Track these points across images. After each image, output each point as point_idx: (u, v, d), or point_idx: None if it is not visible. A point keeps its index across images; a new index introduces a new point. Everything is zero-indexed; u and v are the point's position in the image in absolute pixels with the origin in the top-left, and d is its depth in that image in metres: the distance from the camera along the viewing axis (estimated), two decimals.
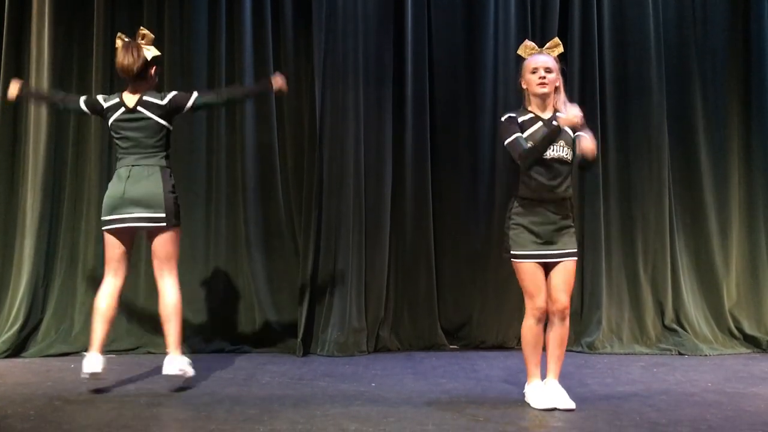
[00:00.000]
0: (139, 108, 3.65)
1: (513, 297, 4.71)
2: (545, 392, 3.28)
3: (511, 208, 3.31)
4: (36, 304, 4.83)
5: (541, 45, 3.40)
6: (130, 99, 3.69)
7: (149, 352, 4.77)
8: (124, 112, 3.67)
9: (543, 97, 3.28)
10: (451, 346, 5.01)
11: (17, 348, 4.68)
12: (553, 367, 3.32)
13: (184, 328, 4.86)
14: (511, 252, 3.28)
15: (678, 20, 5.24)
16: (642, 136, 5.12)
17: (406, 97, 5.07)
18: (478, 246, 5.02)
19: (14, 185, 5.04)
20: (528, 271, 3.25)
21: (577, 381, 3.90)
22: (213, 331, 4.91)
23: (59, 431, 2.89)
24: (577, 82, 5.08)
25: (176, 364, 3.60)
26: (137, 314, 4.88)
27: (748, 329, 5.02)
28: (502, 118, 3.33)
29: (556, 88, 3.31)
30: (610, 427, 2.96)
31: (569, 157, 3.25)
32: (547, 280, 3.29)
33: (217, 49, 5.04)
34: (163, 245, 3.64)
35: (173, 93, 3.75)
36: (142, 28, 3.84)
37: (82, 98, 3.85)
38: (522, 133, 3.25)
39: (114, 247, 3.67)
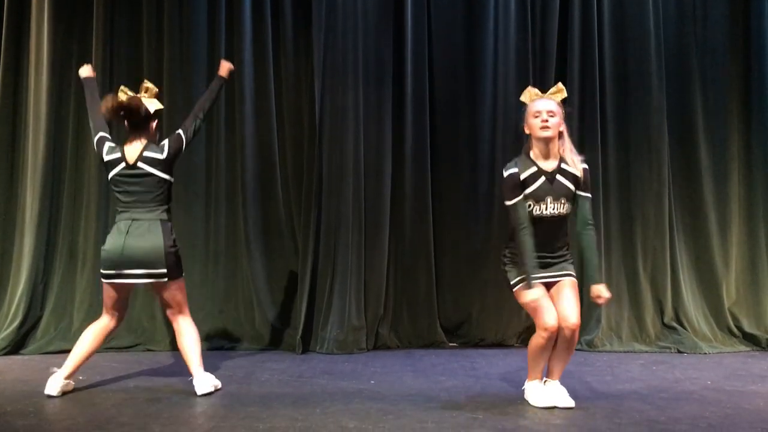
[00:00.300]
0: (139, 164, 3.60)
1: (512, 295, 4.69)
2: (545, 391, 3.28)
3: (506, 249, 3.34)
4: (35, 301, 4.84)
5: (542, 88, 3.43)
6: (130, 154, 3.63)
7: (148, 350, 4.78)
8: (124, 168, 3.61)
9: (546, 141, 3.24)
10: (451, 344, 5.01)
11: (16, 345, 4.68)
12: (557, 371, 3.32)
13: None
14: (515, 280, 3.28)
15: (678, 19, 5.23)
16: (642, 135, 5.11)
17: (405, 96, 5.07)
18: (477, 244, 5.01)
19: (14, 182, 5.04)
20: (530, 294, 3.21)
21: (576, 379, 3.91)
22: (212, 329, 4.90)
23: (58, 428, 2.89)
24: (577, 81, 5.07)
25: (208, 382, 3.58)
26: (136, 312, 4.88)
27: (748, 327, 5.02)
28: (504, 174, 3.28)
29: (561, 134, 3.27)
30: (609, 425, 2.96)
31: (567, 210, 3.26)
32: (554, 300, 3.27)
33: (217, 47, 5.03)
34: (172, 297, 3.63)
35: (167, 141, 3.67)
36: (145, 81, 3.79)
37: (99, 134, 3.71)
38: (524, 189, 3.23)
39: (112, 298, 3.65)
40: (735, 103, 5.24)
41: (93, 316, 4.84)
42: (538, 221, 3.22)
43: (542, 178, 3.24)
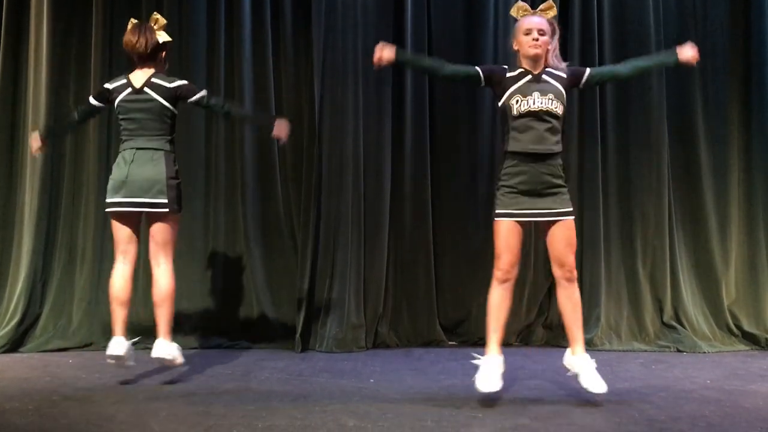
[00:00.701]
0: (146, 89, 3.64)
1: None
2: (493, 371, 3.19)
3: (501, 169, 3.30)
4: (34, 299, 4.83)
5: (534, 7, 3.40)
6: (137, 79, 3.67)
7: (147, 348, 4.74)
8: (131, 92, 3.65)
9: (535, 59, 3.28)
10: (450, 343, 5.01)
11: (15, 343, 4.68)
12: (577, 335, 3.26)
13: (183, 324, 4.91)
14: (495, 212, 3.26)
15: (678, 17, 5.23)
16: (641, 135, 5.11)
17: (405, 94, 5.06)
18: (477, 243, 5.01)
19: (12, 180, 5.04)
20: (503, 228, 3.21)
21: (575, 378, 3.90)
22: (211, 327, 4.90)
23: (57, 426, 2.89)
24: None
25: (166, 348, 3.59)
26: (135, 310, 4.86)
27: (747, 326, 5.02)
28: None
29: (548, 50, 3.30)
30: (608, 424, 2.96)
31: (558, 110, 3.24)
32: (548, 244, 3.26)
33: (216, 46, 5.03)
34: (162, 230, 3.64)
35: (184, 81, 3.74)
36: (156, 13, 3.84)
37: (90, 97, 3.84)
38: (509, 86, 3.25)
39: (120, 229, 3.67)
40: (735, 103, 5.24)
41: (92, 314, 4.88)
42: (526, 119, 3.21)
43: (528, 76, 3.27)
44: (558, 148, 3.26)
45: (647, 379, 3.91)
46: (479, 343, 4.92)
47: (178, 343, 4.77)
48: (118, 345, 3.57)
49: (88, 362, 4.31)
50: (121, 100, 3.66)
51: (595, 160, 5.05)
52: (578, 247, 5.00)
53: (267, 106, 5.03)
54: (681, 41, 5.14)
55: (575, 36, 5.08)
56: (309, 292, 4.85)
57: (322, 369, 4.14)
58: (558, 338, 5.01)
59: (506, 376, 3.90)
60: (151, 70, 3.70)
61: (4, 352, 4.59)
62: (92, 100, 3.82)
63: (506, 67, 3.36)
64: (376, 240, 4.96)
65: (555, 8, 3.39)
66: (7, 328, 4.69)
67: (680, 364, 4.36)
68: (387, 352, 4.74)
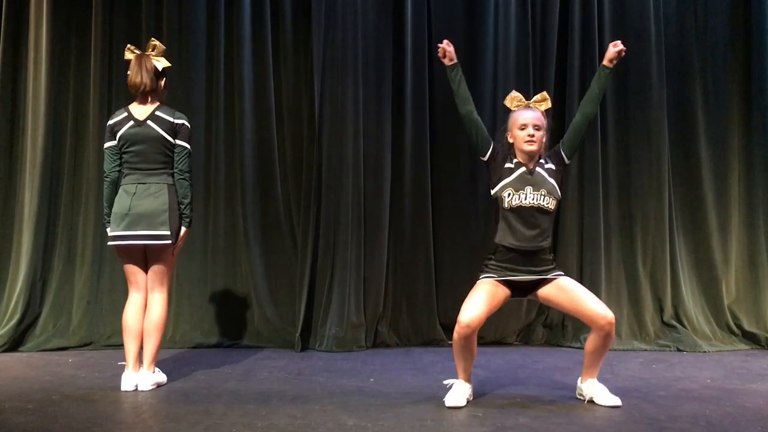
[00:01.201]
0: (149, 122, 3.60)
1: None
2: (462, 392, 3.24)
3: (490, 253, 3.32)
4: (34, 298, 4.83)
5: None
6: (139, 112, 3.62)
7: None
8: (133, 126, 3.61)
9: (531, 154, 3.26)
10: (450, 342, 4.96)
11: (15, 342, 4.68)
12: (593, 368, 3.28)
13: (183, 323, 4.91)
14: (480, 278, 3.28)
15: (678, 16, 5.23)
16: (642, 133, 5.11)
17: (405, 93, 5.06)
18: (477, 242, 5.00)
19: (12, 179, 5.04)
20: (481, 285, 3.24)
21: (575, 377, 3.89)
22: (211, 326, 4.91)
23: (57, 425, 2.89)
24: (577, 79, 5.06)
25: (149, 380, 3.56)
26: None
27: (747, 326, 5.02)
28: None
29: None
30: (608, 423, 2.95)
31: (550, 206, 3.24)
32: (561, 306, 3.24)
33: (216, 45, 5.03)
34: (162, 261, 3.62)
35: (185, 122, 3.65)
36: (153, 39, 3.77)
37: (109, 144, 3.67)
38: (504, 178, 3.25)
39: (127, 262, 3.65)
40: (735, 101, 5.24)
41: (92, 313, 4.88)
42: (517, 213, 3.21)
43: (522, 169, 3.26)
44: (546, 243, 3.26)
45: (647, 378, 3.91)
46: (479, 342, 4.92)
47: (178, 342, 4.82)
48: (130, 380, 3.54)
49: (88, 361, 4.32)
50: (124, 133, 3.61)
51: (595, 159, 5.05)
52: (578, 247, 5.06)
53: (267, 106, 5.03)
54: (681, 40, 5.22)
55: (575, 36, 5.08)
56: (309, 291, 4.84)
57: (322, 368, 4.14)
58: (558, 337, 5.01)
59: (506, 376, 3.92)
60: (154, 102, 3.66)
61: (4, 351, 4.60)
62: (112, 148, 3.65)
63: (508, 158, 3.31)
64: (375, 239, 4.95)
65: (549, 101, 3.36)
66: (6, 327, 4.69)
67: (680, 363, 4.36)
68: (387, 352, 4.74)
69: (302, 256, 4.90)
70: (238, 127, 5.02)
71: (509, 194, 3.23)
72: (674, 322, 4.96)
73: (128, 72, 3.67)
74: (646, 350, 4.80)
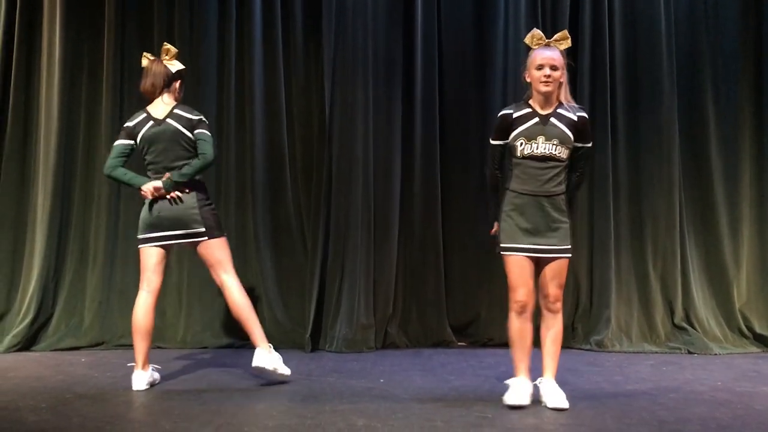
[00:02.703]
0: (168, 120, 3.62)
1: None
2: (521, 389, 3.22)
3: (504, 202, 3.29)
4: (46, 298, 4.88)
5: (549, 36, 3.34)
6: (157, 111, 3.64)
7: (158, 347, 4.78)
8: (153, 125, 3.62)
9: (546, 95, 3.24)
10: (459, 343, 5.01)
11: (28, 342, 4.72)
12: (549, 364, 3.28)
13: (194, 323, 4.93)
14: (501, 245, 3.27)
15: (689, 19, 5.21)
16: (652, 136, 5.10)
17: (415, 94, 5.07)
18: (486, 244, 4.95)
19: (25, 181, 5.09)
20: (515, 263, 3.23)
21: (585, 379, 3.90)
22: (223, 327, 4.93)
23: (70, 424, 2.91)
24: (588, 79, 5.06)
25: (266, 358, 3.57)
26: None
27: (759, 328, 5.00)
28: (499, 114, 3.34)
29: (560, 84, 3.26)
30: (618, 425, 2.95)
31: (562, 155, 3.22)
32: (540, 275, 3.27)
33: (228, 49, 5.05)
34: (211, 253, 3.62)
35: (202, 118, 3.66)
36: (165, 44, 3.81)
37: (120, 142, 3.68)
38: (516, 128, 3.23)
39: (150, 256, 3.63)
40: (746, 104, 5.22)
41: (104, 313, 4.92)
42: (528, 161, 3.21)
43: (536, 119, 3.24)
44: (559, 189, 3.25)
45: (657, 380, 3.90)
46: (489, 344, 4.96)
47: (189, 343, 4.85)
48: (141, 380, 3.55)
49: (101, 361, 4.35)
50: (144, 133, 3.63)
51: (606, 162, 5.04)
52: (588, 249, 5.06)
53: (278, 109, 5.05)
54: (692, 44, 5.20)
55: (586, 40, 5.07)
56: (319, 292, 4.86)
57: (332, 369, 4.15)
58: (567, 339, 4.97)
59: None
60: (171, 102, 3.68)
61: (18, 350, 4.64)
62: (124, 144, 3.66)
63: (511, 110, 3.29)
64: (385, 241, 4.96)
65: (569, 39, 3.31)
66: (20, 327, 4.73)
67: (691, 365, 4.34)
68: (396, 353, 4.75)
69: (312, 257, 4.92)
70: (248, 130, 5.04)
71: (521, 143, 3.22)
72: (685, 325, 4.95)
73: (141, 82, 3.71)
74: (656, 352, 4.78)
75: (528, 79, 3.29)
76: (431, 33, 5.07)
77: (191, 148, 3.63)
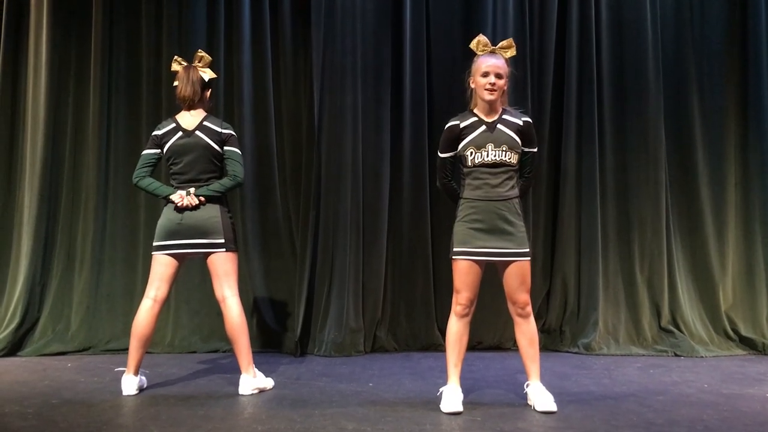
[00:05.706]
0: (197, 132, 3.61)
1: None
2: (454, 397, 3.23)
3: (459, 210, 3.31)
4: (33, 303, 4.84)
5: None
6: (187, 122, 3.63)
7: (148, 352, 4.75)
8: (182, 136, 3.60)
9: (490, 103, 3.27)
10: None
11: (14, 347, 4.68)
12: (532, 368, 3.30)
13: (182, 327, 4.91)
14: (453, 249, 3.27)
15: (675, 22, 5.26)
16: (639, 138, 5.13)
17: (404, 98, 5.08)
18: None
19: (12, 184, 5.06)
20: (462, 268, 3.24)
21: (573, 382, 3.92)
22: (210, 331, 4.91)
23: (57, 430, 2.89)
24: (575, 84, 5.10)
25: (251, 385, 3.57)
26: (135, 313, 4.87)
27: (744, 331, 5.04)
28: (446, 126, 3.35)
29: (503, 92, 3.29)
30: (606, 427, 2.96)
31: (512, 160, 3.25)
32: (503, 282, 3.28)
33: (216, 50, 5.03)
34: (222, 264, 3.61)
35: (232, 132, 3.66)
36: (199, 51, 3.78)
37: (148, 151, 3.66)
38: (464, 138, 3.27)
39: (163, 265, 3.61)
40: (732, 106, 5.27)
41: (91, 318, 4.88)
42: (480, 168, 3.24)
43: (483, 127, 3.27)
44: (512, 193, 3.27)
45: (645, 383, 3.92)
46: (477, 347, 4.96)
47: (176, 347, 4.83)
48: (131, 385, 3.54)
49: (87, 366, 4.32)
50: (172, 144, 3.61)
51: (592, 164, 5.07)
52: (576, 252, 5.08)
53: (266, 111, 5.05)
54: (678, 46, 5.25)
55: (573, 43, 5.11)
56: (308, 296, 4.85)
57: (321, 373, 4.15)
58: (556, 343, 5.03)
59: (505, 380, 3.93)
60: (201, 113, 3.66)
61: (3, 355, 4.60)
62: (151, 154, 3.65)
63: (457, 121, 3.32)
64: (374, 244, 4.96)
65: (515, 48, 3.36)
66: (6, 332, 4.69)
67: (678, 368, 4.37)
68: (385, 357, 4.75)
69: (301, 261, 4.91)
70: (237, 132, 5.01)
71: (471, 152, 3.25)
72: (672, 328, 4.98)
73: (175, 83, 3.69)
74: (643, 355, 4.81)
75: (472, 85, 3.32)
76: (420, 35, 5.08)
77: (218, 161, 3.63)
